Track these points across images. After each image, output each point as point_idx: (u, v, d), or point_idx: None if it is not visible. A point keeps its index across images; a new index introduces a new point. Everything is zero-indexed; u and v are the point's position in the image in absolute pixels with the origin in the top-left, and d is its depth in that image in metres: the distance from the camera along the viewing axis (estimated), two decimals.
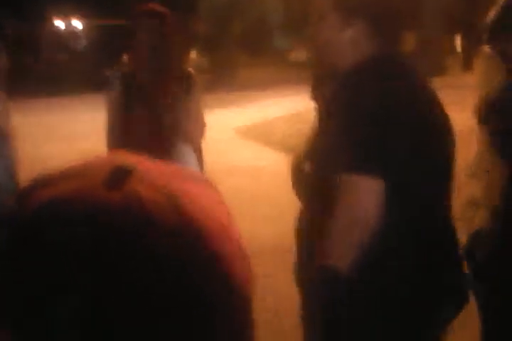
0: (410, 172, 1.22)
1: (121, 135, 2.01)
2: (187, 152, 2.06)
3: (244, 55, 17.02)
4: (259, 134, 7.83)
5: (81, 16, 18.33)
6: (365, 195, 1.15)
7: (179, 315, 0.32)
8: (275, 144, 7.02)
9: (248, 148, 6.91)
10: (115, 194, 0.33)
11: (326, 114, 1.30)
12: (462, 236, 3.57)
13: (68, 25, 19.37)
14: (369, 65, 1.23)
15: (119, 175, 0.33)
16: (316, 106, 1.88)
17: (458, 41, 16.98)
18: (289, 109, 9.70)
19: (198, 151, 2.11)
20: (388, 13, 1.26)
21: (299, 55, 26.09)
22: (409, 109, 1.22)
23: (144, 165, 0.35)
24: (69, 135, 7.17)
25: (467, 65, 14.48)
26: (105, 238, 0.32)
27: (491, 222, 1.41)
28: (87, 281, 0.31)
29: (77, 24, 18.95)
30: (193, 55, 15.81)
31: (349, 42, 1.24)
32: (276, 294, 2.89)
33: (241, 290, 0.35)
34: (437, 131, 1.27)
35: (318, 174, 1.27)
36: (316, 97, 1.81)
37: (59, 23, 19.78)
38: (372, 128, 1.16)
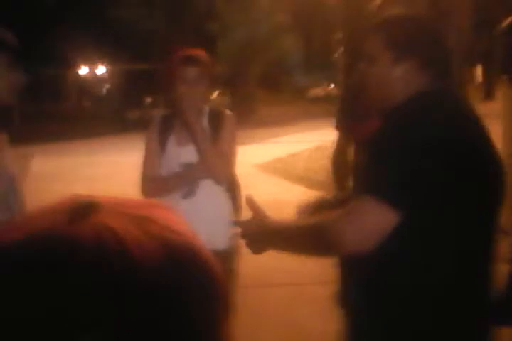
0: (440, 217, 1.14)
1: (156, 170, 2.05)
2: (211, 187, 2.06)
3: (264, 92, 17.24)
4: (280, 169, 7.84)
5: (106, 62, 18.90)
6: (371, 216, 1.12)
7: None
8: (296, 178, 7.01)
9: (270, 182, 6.91)
10: (83, 228, 0.33)
11: (368, 148, 1.30)
12: None
13: (93, 70, 19.97)
14: (418, 99, 1.25)
15: (81, 210, 0.34)
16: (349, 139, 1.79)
17: (478, 72, 17.00)
18: (309, 144, 9.73)
19: (233, 189, 2.12)
20: (438, 48, 1.29)
21: (318, 91, 26.50)
22: (456, 145, 1.16)
23: (107, 199, 0.37)
24: (93, 175, 7.35)
25: (488, 94, 14.44)
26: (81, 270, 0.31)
27: None
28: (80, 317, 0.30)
29: (102, 69, 19.53)
30: (214, 93, 16.09)
31: (400, 78, 1.27)
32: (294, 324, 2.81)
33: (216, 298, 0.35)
34: (484, 175, 1.19)
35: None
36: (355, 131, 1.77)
37: (84, 69, 20.40)
38: (408, 160, 1.13)
